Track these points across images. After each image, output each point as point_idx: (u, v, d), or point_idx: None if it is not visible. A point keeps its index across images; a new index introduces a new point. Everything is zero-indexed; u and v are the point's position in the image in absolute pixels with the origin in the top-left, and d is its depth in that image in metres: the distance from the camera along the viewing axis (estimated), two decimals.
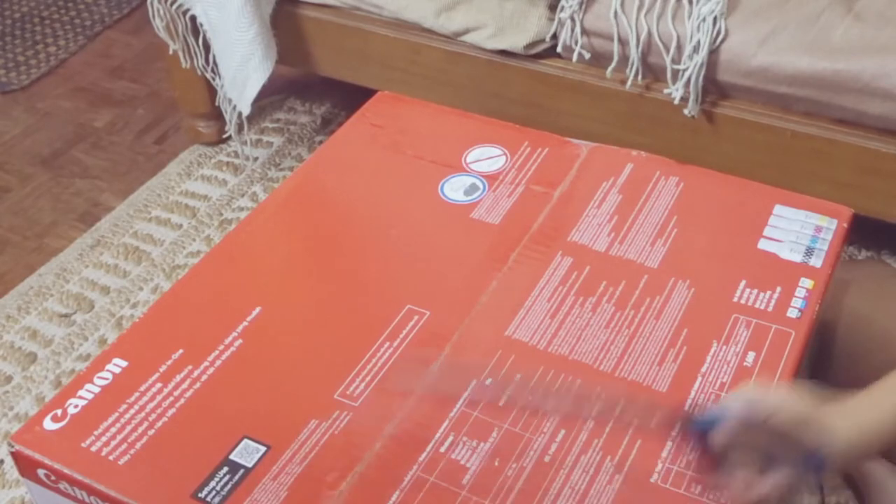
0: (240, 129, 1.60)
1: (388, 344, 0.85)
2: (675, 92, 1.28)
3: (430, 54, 1.46)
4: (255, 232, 1.00)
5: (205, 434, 0.79)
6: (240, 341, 0.86)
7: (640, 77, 1.32)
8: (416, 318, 0.87)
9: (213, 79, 1.57)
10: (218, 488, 0.74)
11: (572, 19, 1.33)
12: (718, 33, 1.24)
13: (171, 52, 1.58)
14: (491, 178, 1.02)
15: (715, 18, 1.23)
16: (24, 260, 1.53)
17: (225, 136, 1.66)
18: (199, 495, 0.74)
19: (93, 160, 1.73)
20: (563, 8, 1.33)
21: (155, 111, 1.84)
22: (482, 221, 0.95)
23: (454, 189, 1.00)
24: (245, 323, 0.87)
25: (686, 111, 1.30)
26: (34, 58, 1.99)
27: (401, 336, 0.85)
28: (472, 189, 1.00)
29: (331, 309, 0.90)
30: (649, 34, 1.28)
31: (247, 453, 0.76)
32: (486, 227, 0.95)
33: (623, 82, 1.33)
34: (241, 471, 0.75)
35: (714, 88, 1.29)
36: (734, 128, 1.30)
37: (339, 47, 1.54)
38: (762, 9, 1.25)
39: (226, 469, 0.75)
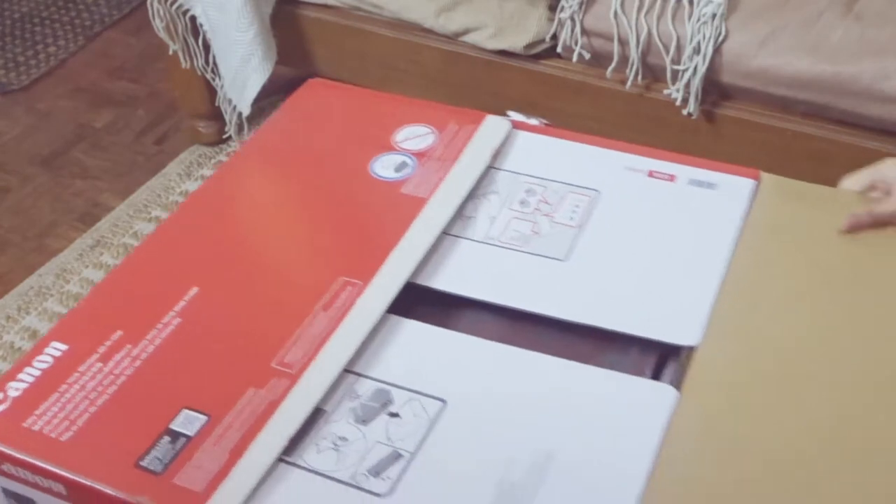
0: (240, 129, 1.60)
1: (322, 313, 0.86)
2: (676, 93, 1.29)
3: (430, 54, 1.46)
4: (189, 218, 1.02)
5: (146, 408, 0.81)
6: (178, 320, 0.88)
7: (640, 77, 1.32)
8: (349, 288, 0.88)
9: (213, 79, 1.57)
10: (160, 456, 0.76)
11: (572, 19, 1.33)
12: (719, 34, 1.24)
13: (171, 52, 1.58)
14: (420, 156, 1.04)
15: (715, 19, 1.24)
16: (24, 260, 1.53)
17: (225, 136, 1.66)
18: (142, 464, 0.76)
19: (93, 160, 1.73)
20: (563, 8, 1.33)
21: (155, 111, 1.84)
22: (412, 196, 0.97)
23: (384, 167, 1.02)
24: (182, 302, 0.89)
25: (686, 111, 1.30)
26: (34, 58, 2.00)
27: (335, 305, 0.87)
28: (401, 166, 1.02)
29: (266, 284, 0.92)
30: (649, 34, 1.28)
31: (188, 423, 0.78)
32: (416, 200, 0.97)
33: (623, 82, 1.33)
34: (183, 439, 0.77)
35: (714, 89, 1.29)
36: (734, 128, 1.30)
37: (339, 47, 1.54)
38: (762, 10, 1.25)
39: (167, 438, 0.77)
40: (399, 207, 0.96)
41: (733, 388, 0.81)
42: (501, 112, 1.11)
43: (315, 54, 1.57)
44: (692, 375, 0.80)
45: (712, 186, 0.99)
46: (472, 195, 0.99)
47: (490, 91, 1.44)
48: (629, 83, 1.32)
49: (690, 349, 0.82)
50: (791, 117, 1.26)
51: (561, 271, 0.91)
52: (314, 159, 1.07)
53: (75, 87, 1.92)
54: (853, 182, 0.98)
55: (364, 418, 0.79)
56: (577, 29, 1.33)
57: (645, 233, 0.95)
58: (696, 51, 1.25)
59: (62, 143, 1.78)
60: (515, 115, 1.10)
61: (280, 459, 0.76)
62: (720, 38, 1.24)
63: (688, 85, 1.27)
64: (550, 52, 1.39)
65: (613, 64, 1.32)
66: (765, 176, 0.99)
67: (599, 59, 1.35)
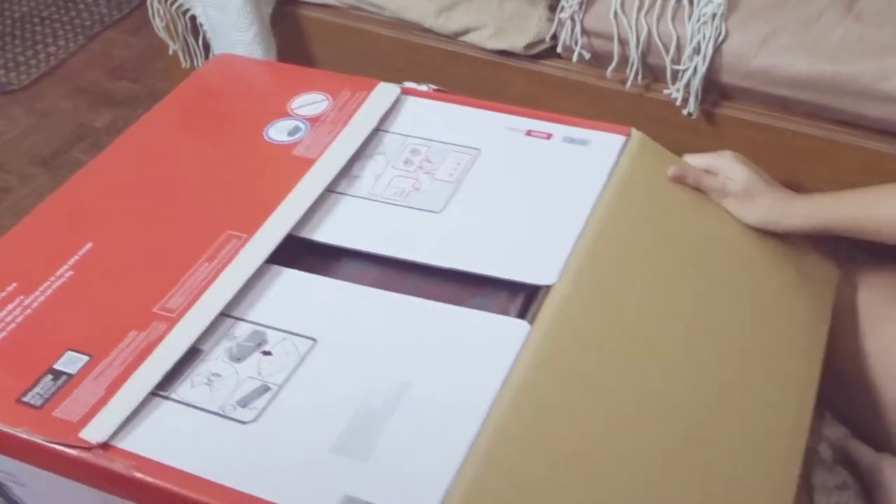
0: None
1: (206, 264, 0.91)
2: (676, 93, 1.29)
3: (430, 54, 1.46)
4: (90, 179, 1.07)
5: (32, 351, 0.86)
6: (70, 273, 0.93)
7: (640, 77, 1.32)
8: (234, 241, 0.94)
9: None
10: (41, 392, 0.81)
11: (572, 19, 1.33)
12: (719, 34, 1.24)
13: (171, 52, 1.58)
14: (313, 120, 1.09)
15: (715, 19, 1.24)
16: None
17: None
18: (24, 399, 0.81)
19: None
20: (563, 8, 1.33)
21: None
22: (302, 157, 1.03)
23: (278, 131, 1.09)
24: (76, 257, 0.94)
25: (686, 111, 1.30)
26: (34, 58, 2.00)
27: (219, 257, 0.92)
28: (294, 130, 1.08)
29: (157, 239, 0.98)
30: (649, 34, 1.28)
31: (70, 362, 0.84)
32: (305, 161, 1.03)
33: (623, 82, 1.33)
34: (65, 377, 0.82)
35: (714, 89, 1.29)
36: (734, 128, 1.30)
37: (339, 47, 1.54)
38: (762, 9, 1.25)
39: (50, 377, 0.82)
40: (289, 168, 1.02)
41: (578, 323, 0.87)
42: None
43: (315, 54, 1.57)
44: (544, 311, 0.86)
45: (585, 143, 1.05)
46: (361, 156, 1.05)
47: (490, 91, 1.44)
48: (629, 83, 1.33)
49: (547, 289, 0.88)
50: (791, 117, 1.26)
51: (435, 222, 0.97)
52: (214, 125, 1.13)
53: (75, 87, 1.92)
54: (694, 160, 1.10)
55: (238, 356, 0.84)
56: (577, 29, 1.33)
57: (518, 186, 1.01)
58: (696, 51, 1.25)
59: (62, 143, 1.78)
60: (411, 84, 1.16)
61: (155, 394, 0.81)
62: (720, 38, 1.24)
63: (688, 85, 1.28)
64: (550, 52, 1.39)
65: (613, 64, 1.32)
66: (634, 133, 1.05)
67: (599, 59, 1.35)
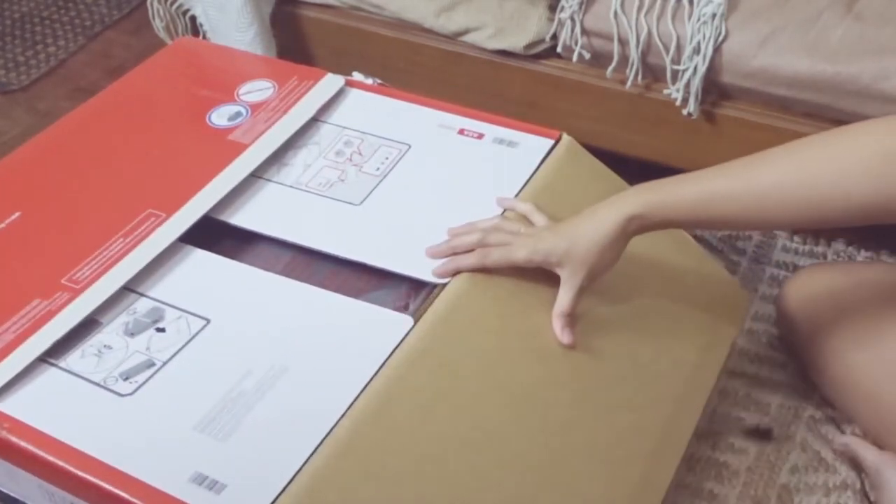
0: None
1: (122, 240, 0.94)
2: (676, 93, 1.29)
3: (430, 54, 1.46)
4: (30, 153, 1.10)
5: None
6: None
7: (640, 77, 1.32)
8: (152, 219, 0.96)
9: None
10: None
11: (572, 19, 1.33)
12: (719, 34, 1.24)
13: None
14: (255, 107, 1.11)
15: (715, 19, 1.24)
16: None
17: None
18: None
19: None
20: (563, 8, 1.33)
21: None
22: (236, 142, 1.05)
23: (220, 116, 1.10)
24: (2, 224, 0.98)
25: (686, 111, 1.30)
26: (34, 58, 1.99)
27: (135, 233, 0.95)
28: (236, 115, 1.10)
29: (82, 212, 1.00)
30: (649, 34, 1.28)
31: None
32: (238, 146, 1.05)
33: (623, 82, 1.33)
34: None
35: (714, 89, 1.29)
36: (734, 128, 1.30)
37: (339, 47, 1.54)
38: (762, 9, 1.26)
39: None
40: (220, 152, 1.04)
41: (462, 323, 0.88)
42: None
43: (315, 54, 1.57)
44: (432, 309, 0.88)
45: (514, 145, 1.05)
46: (296, 145, 1.07)
47: (490, 91, 1.44)
48: (629, 83, 1.33)
49: (441, 287, 0.90)
50: (791, 117, 1.26)
51: (352, 215, 0.98)
52: (160, 107, 1.15)
53: (75, 87, 1.92)
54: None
55: (133, 331, 0.87)
56: (577, 29, 1.33)
57: (439, 184, 1.02)
58: (696, 51, 1.25)
59: None
60: (358, 76, 1.17)
61: (45, 361, 0.84)
62: (720, 38, 1.24)
63: (688, 85, 1.28)
64: (550, 52, 1.39)
65: (613, 64, 1.32)
66: (564, 138, 1.05)
67: (599, 59, 1.35)
